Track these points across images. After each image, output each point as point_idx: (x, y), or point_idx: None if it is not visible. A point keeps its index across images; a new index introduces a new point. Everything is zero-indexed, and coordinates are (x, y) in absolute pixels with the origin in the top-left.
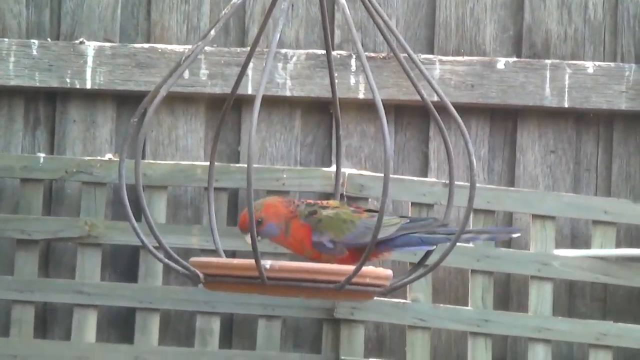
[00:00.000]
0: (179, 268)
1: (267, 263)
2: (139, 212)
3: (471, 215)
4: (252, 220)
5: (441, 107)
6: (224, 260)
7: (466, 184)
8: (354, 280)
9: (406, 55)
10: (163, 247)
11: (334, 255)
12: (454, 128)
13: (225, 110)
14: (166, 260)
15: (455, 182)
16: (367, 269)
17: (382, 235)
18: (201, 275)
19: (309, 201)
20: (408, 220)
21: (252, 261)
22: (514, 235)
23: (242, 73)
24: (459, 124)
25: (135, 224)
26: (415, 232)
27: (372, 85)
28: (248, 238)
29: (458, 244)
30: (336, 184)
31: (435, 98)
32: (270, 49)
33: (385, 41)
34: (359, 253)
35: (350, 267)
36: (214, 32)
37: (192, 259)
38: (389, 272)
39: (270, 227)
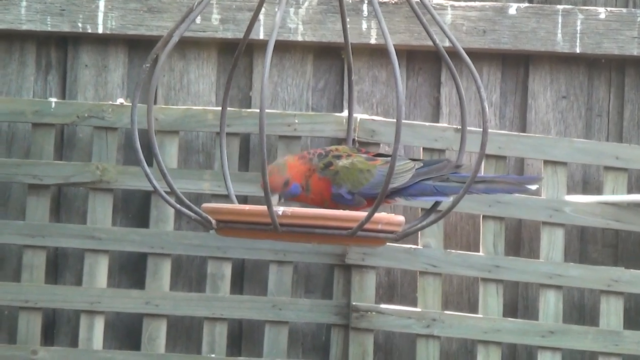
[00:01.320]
0: (191, 214)
1: (279, 209)
2: (151, 157)
3: (483, 162)
4: (264, 168)
5: (453, 53)
6: (236, 206)
7: (478, 129)
8: (366, 226)
9: (418, 0)
10: (175, 193)
11: (352, 206)
12: (466, 73)
13: (237, 56)
14: (178, 205)
15: (468, 128)
16: (380, 215)
17: (397, 183)
18: (213, 222)
19: (320, 151)
20: (422, 165)
21: (265, 207)
22: (532, 187)
23: (254, 19)
24: (471, 70)
25: (148, 170)
26: (429, 179)
27: (385, 33)
28: (275, 199)
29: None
30: (348, 130)
31: (447, 43)
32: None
33: None
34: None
35: (363, 214)
36: None
37: (204, 205)
38: (401, 218)
39: (295, 187)
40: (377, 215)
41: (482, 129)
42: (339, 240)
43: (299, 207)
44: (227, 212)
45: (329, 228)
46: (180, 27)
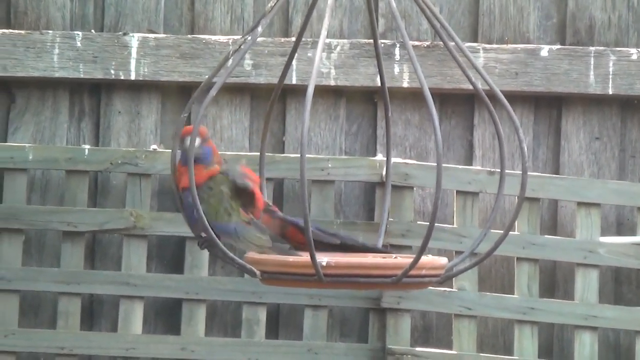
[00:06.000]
0: (235, 265)
1: (323, 260)
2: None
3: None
4: (307, 222)
5: (488, 95)
6: (280, 257)
7: (512, 171)
8: (411, 272)
9: (453, 43)
10: (217, 244)
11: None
12: (499, 115)
13: (273, 102)
14: (229, 254)
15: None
16: (424, 260)
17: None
18: (257, 272)
19: (228, 164)
20: None
21: (308, 259)
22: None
23: (288, 64)
24: (508, 110)
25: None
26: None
27: (420, 79)
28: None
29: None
30: (387, 174)
31: (481, 86)
32: (319, 42)
33: (429, 29)
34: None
35: (407, 261)
36: (261, 28)
37: (247, 255)
38: (444, 260)
39: (209, 151)
40: (421, 260)
41: (521, 171)
42: (383, 287)
43: (342, 257)
44: (271, 264)
45: (373, 277)
46: (220, 77)
